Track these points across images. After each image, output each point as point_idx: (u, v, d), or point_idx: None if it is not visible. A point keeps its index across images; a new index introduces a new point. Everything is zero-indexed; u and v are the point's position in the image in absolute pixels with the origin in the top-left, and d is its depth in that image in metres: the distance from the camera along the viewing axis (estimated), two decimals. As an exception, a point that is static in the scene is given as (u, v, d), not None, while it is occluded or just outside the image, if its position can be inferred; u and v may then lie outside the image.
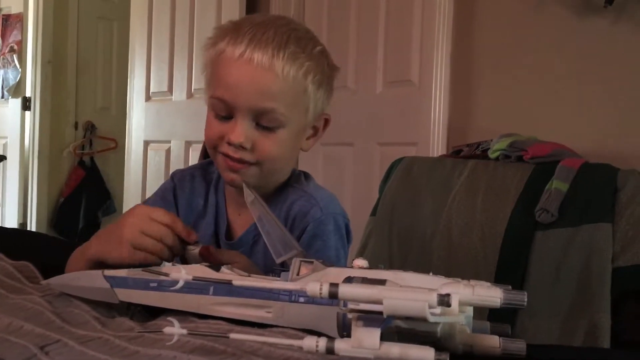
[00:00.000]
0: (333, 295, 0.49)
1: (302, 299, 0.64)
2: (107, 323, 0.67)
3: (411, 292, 0.48)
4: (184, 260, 0.79)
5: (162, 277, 0.66)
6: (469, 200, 1.58)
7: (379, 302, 0.48)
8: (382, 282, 0.54)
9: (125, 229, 0.73)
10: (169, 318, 0.52)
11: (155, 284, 0.69)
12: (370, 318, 0.50)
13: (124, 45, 3.31)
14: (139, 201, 3.10)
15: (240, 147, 0.81)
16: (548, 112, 1.78)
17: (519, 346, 0.57)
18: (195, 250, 0.78)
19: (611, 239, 1.33)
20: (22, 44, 3.73)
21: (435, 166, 1.72)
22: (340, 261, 0.91)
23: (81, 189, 3.70)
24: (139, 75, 3.09)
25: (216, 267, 0.70)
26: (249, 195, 0.76)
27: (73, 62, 3.79)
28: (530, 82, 1.83)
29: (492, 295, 0.53)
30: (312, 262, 0.66)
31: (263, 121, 0.82)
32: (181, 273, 0.52)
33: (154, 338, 0.58)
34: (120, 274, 0.72)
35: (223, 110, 0.83)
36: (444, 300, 0.47)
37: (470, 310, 0.60)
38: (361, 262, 0.63)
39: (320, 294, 0.48)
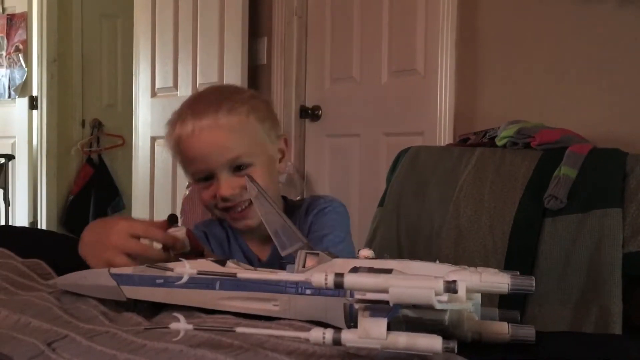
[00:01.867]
0: (338, 285, 0.48)
1: (308, 291, 0.64)
2: (114, 318, 0.67)
3: (417, 279, 0.48)
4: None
5: (167, 273, 0.66)
6: (476, 189, 1.57)
7: (385, 291, 0.47)
8: (388, 271, 0.54)
9: (108, 251, 0.78)
10: (175, 314, 0.52)
11: (161, 280, 0.69)
12: (377, 308, 0.50)
13: (128, 41, 3.31)
14: (147, 197, 3.11)
15: (233, 196, 0.95)
16: (555, 98, 1.76)
17: (528, 332, 0.57)
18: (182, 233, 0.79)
19: (621, 224, 1.32)
20: (27, 43, 3.74)
21: (442, 155, 1.71)
22: (346, 239, 0.99)
23: (90, 187, 3.72)
24: (144, 71, 3.09)
25: (222, 261, 0.70)
26: (252, 189, 0.76)
27: (78, 60, 3.80)
28: (536, 68, 1.81)
29: (500, 281, 0.52)
30: (317, 254, 0.66)
31: (236, 165, 0.95)
32: (186, 268, 0.52)
33: (161, 332, 0.58)
34: (126, 272, 0.73)
35: (204, 174, 0.96)
36: (451, 287, 0.47)
37: (478, 298, 0.60)
38: (367, 252, 0.63)
39: (326, 284, 0.48)
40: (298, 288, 0.64)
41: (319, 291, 0.63)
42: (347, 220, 1.04)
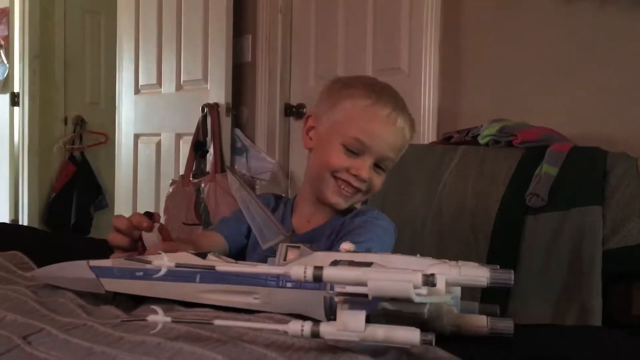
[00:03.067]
0: (317, 279, 0.48)
1: (289, 284, 0.63)
2: (92, 311, 0.66)
3: (395, 273, 0.48)
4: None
5: (147, 266, 0.65)
6: (459, 187, 1.58)
7: (364, 284, 0.47)
8: (368, 264, 0.54)
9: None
10: (153, 306, 0.51)
11: (141, 273, 0.69)
12: (356, 301, 0.50)
13: (111, 38, 3.28)
14: (130, 195, 3.09)
15: (364, 181, 1.02)
16: (537, 97, 1.77)
17: (506, 325, 0.57)
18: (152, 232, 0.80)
19: (601, 221, 1.33)
20: (8, 38, 3.69)
21: (425, 153, 1.72)
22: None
23: (72, 184, 3.67)
24: (128, 68, 3.07)
25: (202, 254, 0.69)
26: (234, 182, 0.76)
27: (61, 56, 3.75)
28: (519, 68, 1.82)
29: (479, 274, 0.53)
30: (298, 247, 0.65)
31: (381, 165, 1.04)
32: (164, 260, 0.51)
33: (138, 325, 0.58)
34: (105, 264, 0.72)
35: (356, 149, 1.01)
36: (429, 280, 0.47)
37: (457, 291, 0.60)
38: (348, 245, 0.63)
39: (305, 277, 0.48)
40: (279, 281, 0.63)
41: (299, 284, 0.62)
42: (389, 238, 1.04)
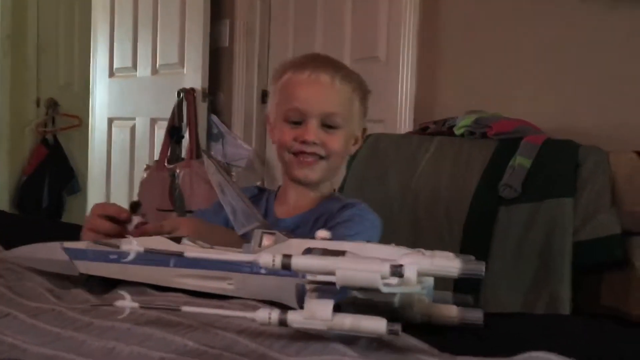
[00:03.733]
0: (286, 267, 0.48)
1: (263, 271, 0.63)
2: (61, 295, 0.65)
3: (364, 263, 0.48)
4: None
5: (113, 249, 0.65)
6: (434, 176, 1.58)
7: (332, 274, 0.47)
8: (341, 253, 0.54)
9: (83, 230, 0.85)
10: (121, 291, 0.51)
11: (115, 256, 0.68)
12: (325, 289, 0.50)
13: (86, 19, 3.21)
14: (103, 180, 3.05)
15: (313, 143, 1.03)
16: (512, 88, 1.79)
17: (476, 315, 0.58)
18: (132, 225, 0.80)
19: (572, 213, 1.35)
20: (-21, 17, 3.59)
21: (401, 143, 1.72)
22: None
23: (44, 168, 3.60)
24: (102, 50, 3.01)
25: (177, 238, 0.69)
26: (210, 166, 0.75)
27: (34, 36, 3.66)
28: (496, 59, 1.84)
29: (450, 265, 0.53)
30: (274, 234, 0.65)
31: (328, 122, 1.04)
32: (133, 245, 0.51)
33: (108, 310, 0.57)
34: (79, 246, 0.71)
35: (296, 117, 1.04)
36: (397, 271, 0.47)
37: (430, 281, 0.60)
38: (324, 233, 0.63)
39: (274, 265, 0.48)
40: (252, 267, 0.63)
41: (273, 271, 0.62)
42: (376, 232, 1.05)
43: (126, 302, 0.50)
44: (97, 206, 0.87)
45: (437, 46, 1.99)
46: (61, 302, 0.62)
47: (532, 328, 0.60)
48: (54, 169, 3.61)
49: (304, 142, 1.03)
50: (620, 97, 1.59)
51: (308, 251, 0.55)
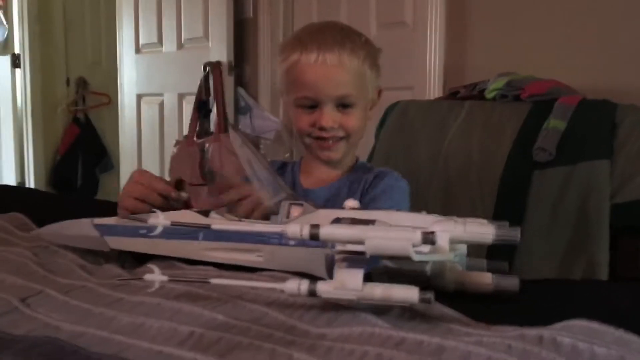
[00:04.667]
0: (314, 237, 0.47)
1: (292, 242, 0.62)
2: (93, 271, 0.66)
3: (394, 231, 0.46)
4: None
5: (140, 224, 0.65)
6: (465, 142, 1.55)
7: (361, 243, 0.46)
8: (371, 222, 0.52)
9: (122, 192, 0.84)
10: (150, 265, 0.50)
11: (144, 231, 0.68)
12: (355, 259, 0.49)
13: (111, -4, 3.21)
14: (135, 157, 3.08)
15: (331, 128, 1.01)
16: (545, 49, 1.73)
17: (511, 282, 0.56)
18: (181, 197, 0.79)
19: (609, 175, 1.31)
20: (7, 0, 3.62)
21: (431, 109, 1.69)
22: None
23: (77, 146, 3.66)
24: (128, 27, 3.02)
25: (205, 212, 0.68)
26: (235, 139, 0.75)
27: (60, 16, 3.68)
28: (526, 20, 1.78)
29: (484, 231, 0.51)
30: (302, 205, 0.64)
31: (342, 102, 1.02)
32: (159, 219, 0.50)
33: (138, 285, 0.57)
34: (109, 222, 0.71)
35: (309, 103, 1.02)
36: (429, 239, 0.45)
37: (463, 248, 0.59)
38: (352, 202, 0.62)
39: (301, 235, 0.47)
40: (281, 239, 0.63)
41: (302, 242, 0.61)
42: (407, 201, 1.06)
43: (155, 275, 0.50)
44: (141, 175, 0.85)
45: (465, 8, 1.93)
46: (93, 278, 0.63)
47: (569, 295, 0.58)
48: (87, 147, 3.67)
49: (321, 128, 1.02)
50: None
51: (337, 221, 0.54)
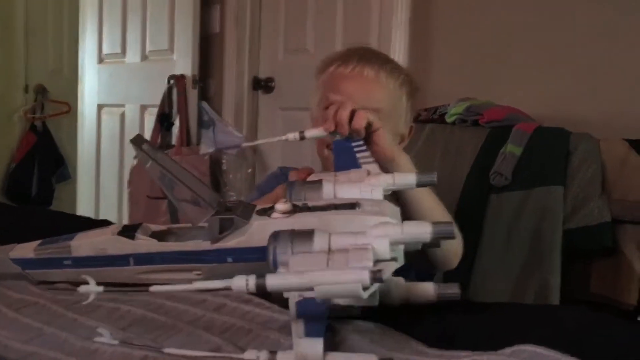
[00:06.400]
0: (261, 289, 0.46)
1: (229, 259, 0.60)
2: (46, 287, 0.64)
3: (342, 274, 0.46)
4: None
5: (61, 255, 0.61)
6: (426, 164, 1.58)
7: (311, 289, 0.46)
8: (309, 232, 0.52)
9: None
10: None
11: (69, 262, 0.63)
12: (311, 323, 0.48)
13: (75, 3, 3.16)
14: (93, 167, 3.02)
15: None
16: (504, 76, 1.78)
17: (453, 291, 0.57)
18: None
19: (562, 201, 1.36)
20: (-35, 2, 3.53)
21: (393, 130, 1.71)
22: None
23: (33, 155, 3.57)
24: (91, 36, 2.97)
25: (130, 233, 0.63)
26: (144, 158, 0.66)
27: (22, 21, 3.61)
28: (487, 47, 1.83)
29: (421, 230, 0.52)
30: (232, 219, 0.61)
31: None
32: (90, 285, 0.47)
33: (93, 305, 0.56)
34: (27, 255, 0.65)
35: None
36: (377, 277, 0.45)
37: (400, 250, 0.58)
38: (283, 206, 0.59)
39: (247, 289, 0.46)
40: (218, 257, 0.60)
41: (240, 257, 0.60)
42: None
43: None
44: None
45: (428, 33, 1.97)
46: (47, 294, 0.61)
47: (520, 319, 0.60)
48: (43, 156, 3.58)
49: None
50: (611, 85, 1.59)
51: (275, 235, 0.53)
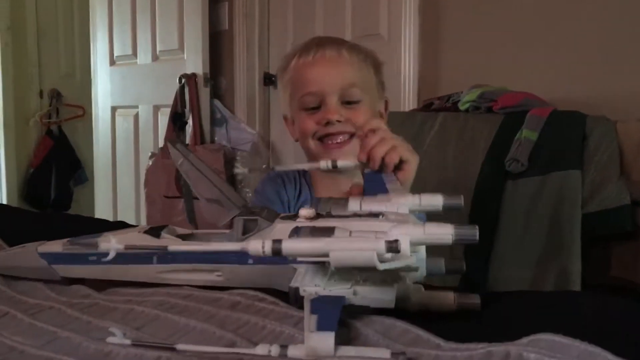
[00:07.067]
0: (277, 252, 0.46)
1: (250, 261, 0.61)
2: (61, 290, 0.64)
3: (358, 241, 0.46)
4: None
5: (88, 250, 0.62)
6: (440, 153, 1.57)
7: (326, 255, 0.46)
8: (330, 229, 0.52)
9: None
10: (111, 329, 0.48)
11: (94, 258, 0.64)
12: (324, 315, 0.47)
13: (85, 7, 3.18)
14: (109, 169, 3.05)
15: (338, 122, 0.97)
16: (517, 61, 1.76)
17: (473, 302, 0.56)
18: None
19: (580, 185, 1.33)
20: (-23, 10, 3.57)
21: (405, 121, 1.70)
22: None
23: (50, 159, 3.61)
24: (102, 38, 2.99)
25: (156, 231, 0.65)
26: (177, 156, 0.69)
27: (33, 27, 3.64)
28: (499, 33, 1.80)
29: (443, 232, 0.51)
30: (256, 220, 0.62)
31: (347, 97, 0.99)
32: (111, 243, 0.48)
33: (108, 307, 0.56)
34: (55, 249, 0.67)
35: (313, 102, 0.99)
36: (393, 247, 0.45)
37: (422, 250, 0.58)
38: (307, 211, 0.60)
39: (264, 252, 0.46)
40: (240, 257, 0.61)
41: (260, 259, 0.60)
42: None
43: (116, 338, 0.47)
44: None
45: (438, 21, 1.95)
46: (62, 297, 0.62)
47: (538, 307, 0.59)
48: (60, 160, 3.62)
49: (328, 124, 0.97)
50: (627, 65, 1.56)
51: (296, 231, 0.53)
